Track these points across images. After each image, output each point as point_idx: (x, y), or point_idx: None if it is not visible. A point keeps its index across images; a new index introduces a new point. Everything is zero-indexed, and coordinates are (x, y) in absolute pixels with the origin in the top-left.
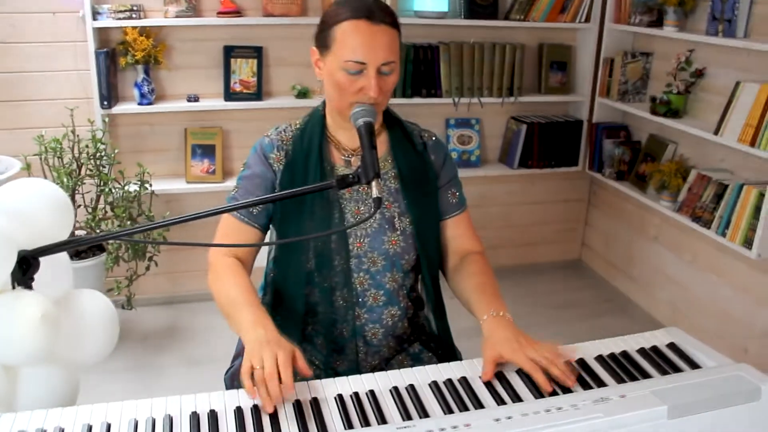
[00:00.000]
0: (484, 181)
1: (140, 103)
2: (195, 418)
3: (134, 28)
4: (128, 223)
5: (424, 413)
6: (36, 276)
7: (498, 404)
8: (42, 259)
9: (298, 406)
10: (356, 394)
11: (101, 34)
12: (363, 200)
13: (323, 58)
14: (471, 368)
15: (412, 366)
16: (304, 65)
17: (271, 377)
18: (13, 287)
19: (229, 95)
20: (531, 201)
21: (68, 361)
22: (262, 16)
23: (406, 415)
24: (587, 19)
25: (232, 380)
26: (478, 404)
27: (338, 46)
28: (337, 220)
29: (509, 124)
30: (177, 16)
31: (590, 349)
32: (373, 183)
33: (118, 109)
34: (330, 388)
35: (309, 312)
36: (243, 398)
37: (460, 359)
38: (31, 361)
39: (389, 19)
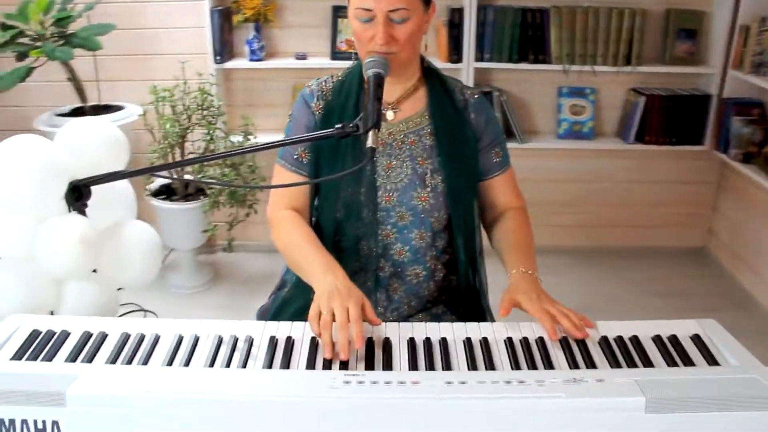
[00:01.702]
0: (597, 154)
1: (251, 60)
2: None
3: None
4: (228, 171)
5: (389, 366)
6: (97, 204)
7: (469, 369)
8: (104, 191)
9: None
10: None
11: None
12: (396, 155)
13: (348, 9)
14: (459, 330)
15: None
16: None
17: (342, 327)
18: (69, 212)
19: (335, 54)
20: (651, 180)
21: (110, 280)
22: None
23: (370, 366)
24: None
25: (263, 315)
26: (447, 366)
27: None
28: (368, 173)
29: (628, 95)
30: None
31: (599, 329)
32: (370, 133)
33: (230, 64)
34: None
35: (338, 258)
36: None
37: None
38: (71, 275)
39: None
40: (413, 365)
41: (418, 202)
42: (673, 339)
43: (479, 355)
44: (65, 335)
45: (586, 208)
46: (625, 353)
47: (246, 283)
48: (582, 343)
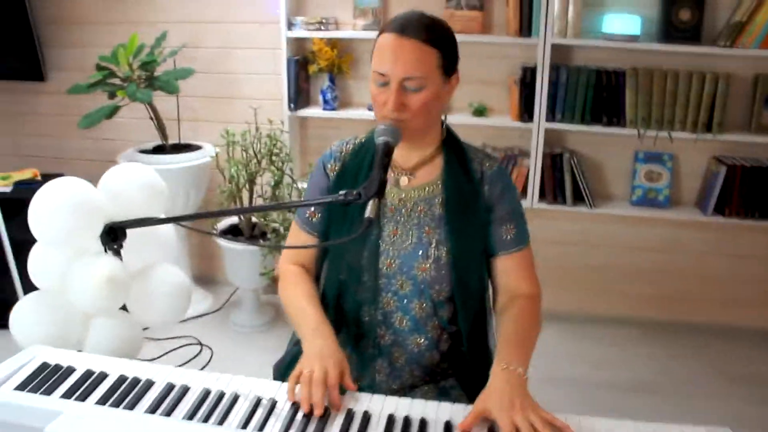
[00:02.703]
0: (672, 224)
1: (324, 109)
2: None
3: (321, 39)
4: (291, 215)
5: None
6: (135, 245)
7: None
8: (143, 233)
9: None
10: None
11: (296, 43)
12: (403, 222)
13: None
14: (444, 411)
15: (435, 399)
16: (485, 83)
17: (317, 384)
18: (105, 251)
19: None
20: (731, 254)
21: (135, 319)
22: None
23: None
24: None
25: (278, 369)
26: None
27: (373, 58)
28: (374, 237)
29: (710, 164)
30: (363, 29)
31: (596, 429)
32: (369, 202)
33: (305, 112)
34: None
35: (341, 322)
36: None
37: None
38: (99, 311)
39: (423, 35)
40: None
41: (418, 272)
42: None
43: None
44: (69, 371)
45: (660, 279)
46: None
47: None
48: None
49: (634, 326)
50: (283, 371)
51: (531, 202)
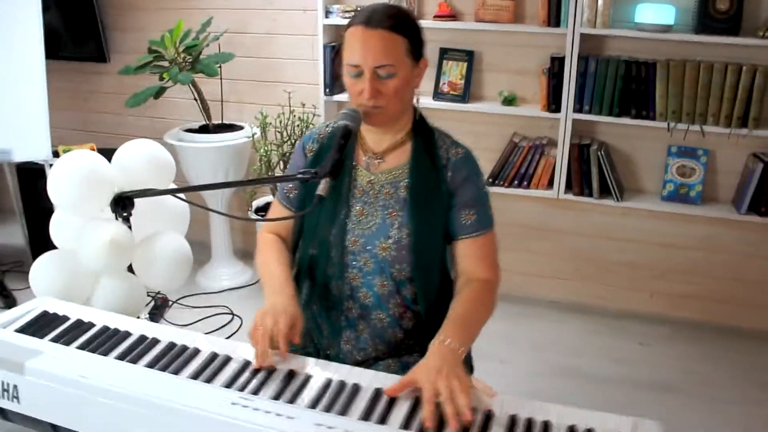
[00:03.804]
0: (706, 222)
1: None
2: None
3: None
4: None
5: (293, 400)
6: (146, 215)
7: (361, 419)
8: (155, 204)
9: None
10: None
11: (332, 30)
12: (370, 203)
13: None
14: (384, 379)
15: (396, 372)
16: (516, 72)
17: (263, 339)
18: (116, 218)
19: (437, 95)
20: (766, 255)
21: (139, 281)
22: (474, 21)
23: (278, 396)
24: None
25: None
26: (344, 411)
27: (344, 51)
28: (342, 216)
29: (748, 160)
30: None
31: (512, 406)
32: (322, 181)
33: (339, 97)
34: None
35: (313, 294)
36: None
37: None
38: (103, 270)
39: (388, 24)
40: (314, 403)
41: (379, 251)
42: None
43: (379, 408)
44: (64, 320)
45: (692, 279)
46: None
47: None
48: (486, 419)
49: (662, 325)
50: None
51: (557, 192)
